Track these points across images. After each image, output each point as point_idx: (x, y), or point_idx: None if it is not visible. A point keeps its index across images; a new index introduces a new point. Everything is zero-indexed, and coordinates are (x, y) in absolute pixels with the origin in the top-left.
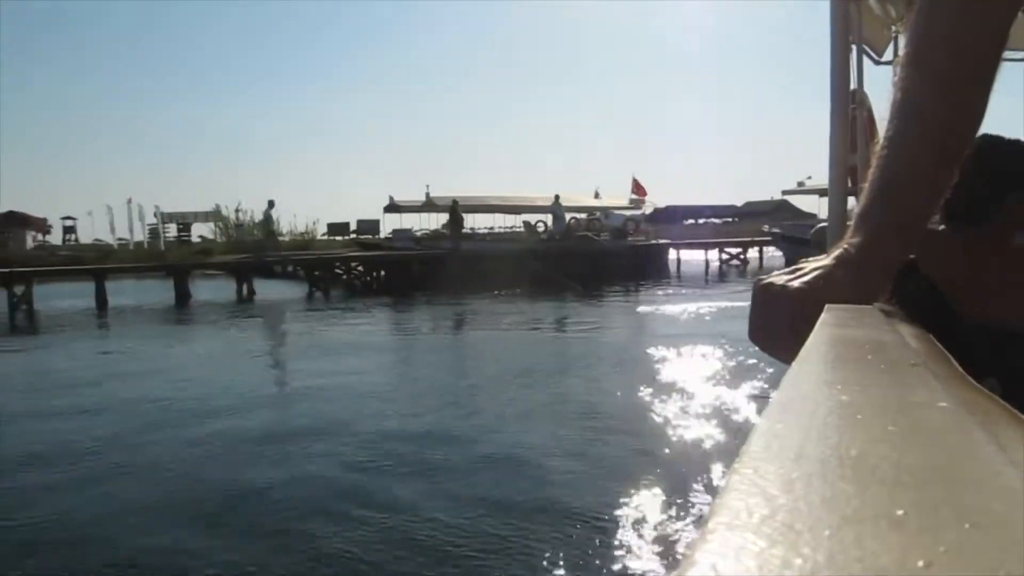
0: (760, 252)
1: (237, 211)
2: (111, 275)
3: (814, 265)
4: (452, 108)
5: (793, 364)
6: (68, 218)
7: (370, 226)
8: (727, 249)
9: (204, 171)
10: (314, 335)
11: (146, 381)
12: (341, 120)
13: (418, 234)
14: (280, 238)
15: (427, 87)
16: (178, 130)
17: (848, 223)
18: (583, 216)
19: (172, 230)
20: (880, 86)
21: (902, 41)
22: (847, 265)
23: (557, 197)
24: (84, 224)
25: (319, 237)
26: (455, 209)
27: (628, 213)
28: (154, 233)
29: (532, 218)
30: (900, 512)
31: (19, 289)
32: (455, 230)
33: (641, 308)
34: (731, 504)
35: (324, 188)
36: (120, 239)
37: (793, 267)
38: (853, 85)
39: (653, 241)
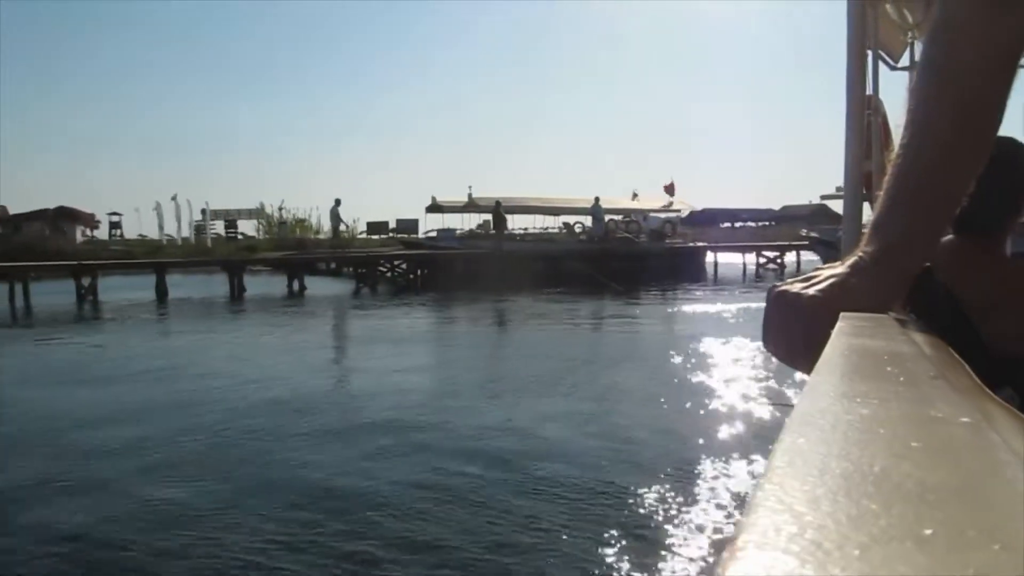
0: (798, 256)
1: (280, 209)
2: (169, 269)
3: (828, 273)
4: (490, 110)
5: (811, 376)
6: (114, 214)
7: (409, 225)
8: (764, 253)
9: (246, 169)
10: (379, 328)
11: (241, 368)
12: (378, 120)
13: (459, 233)
14: (321, 236)
15: (466, 88)
16: (221, 129)
17: (863, 230)
18: (619, 218)
19: (217, 227)
20: (896, 92)
21: (919, 47)
22: (862, 273)
23: (597, 199)
24: (128, 220)
25: (359, 235)
26: (498, 210)
27: (666, 216)
28: (198, 229)
29: (570, 219)
30: (928, 532)
31: (86, 281)
32: (498, 230)
33: (680, 308)
34: (759, 521)
35: (363, 187)
36: (166, 235)
37: (807, 274)
38: (868, 91)
39: (690, 244)
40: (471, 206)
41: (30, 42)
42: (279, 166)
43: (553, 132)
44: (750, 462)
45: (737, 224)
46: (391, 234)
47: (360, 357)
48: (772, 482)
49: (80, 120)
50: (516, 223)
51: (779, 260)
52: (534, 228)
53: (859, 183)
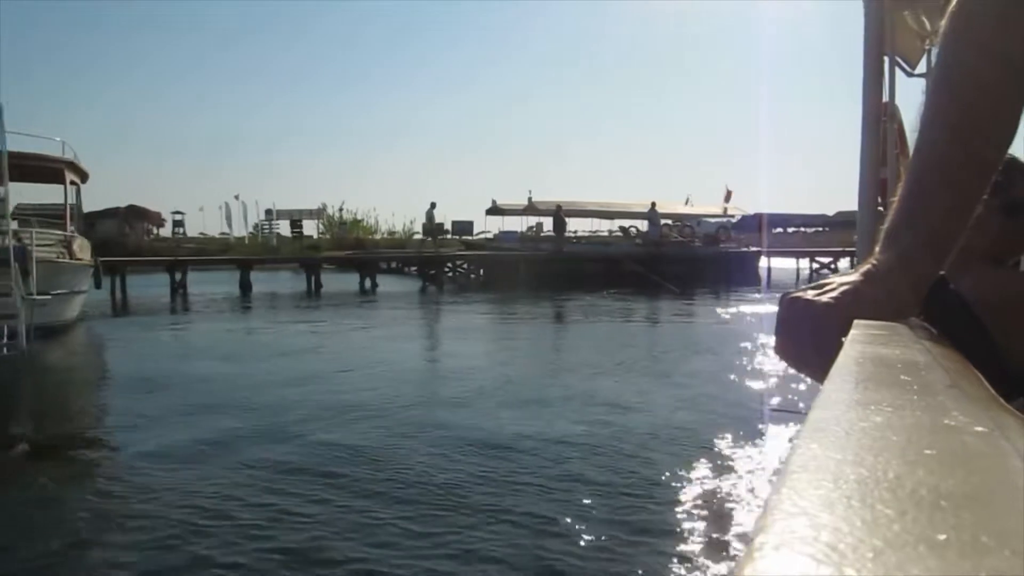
0: (852, 262)
1: (341, 210)
2: (255, 266)
3: (841, 281)
4: (545, 114)
5: (825, 383)
6: (177, 212)
7: (464, 227)
8: (818, 258)
9: (307, 170)
10: (456, 321)
11: (344, 355)
12: (433, 123)
13: (519, 235)
14: (379, 236)
15: (521, 93)
16: (277, 130)
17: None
18: (669, 222)
19: (280, 226)
20: (913, 98)
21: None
22: (875, 282)
23: (653, 204)
24: (190, 219)
25: (415, 237)
26: (559, 213)
27: (720, 221)
28: (257, 228)
29: (625, 223)
30: (941, 537)
31: (178, 276)
32: (558, 233)
33: (737, 309)
34: (775, 524)
35: (418, 189)
36: (223, 233)
37: (820, 282)
38: (885, 97)
39: (744, 248)
40: (531, 209)
41: (97, 45)
42: (335, 167)
43: (608, 137)
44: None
45: (790, 229)
46: (447, 235)
47: (469, 344)
48: (788, 486)
49: (143, 123)
50: (571, 226)
51: (833, 265)
52: (584, 231)
53: (875, 189)
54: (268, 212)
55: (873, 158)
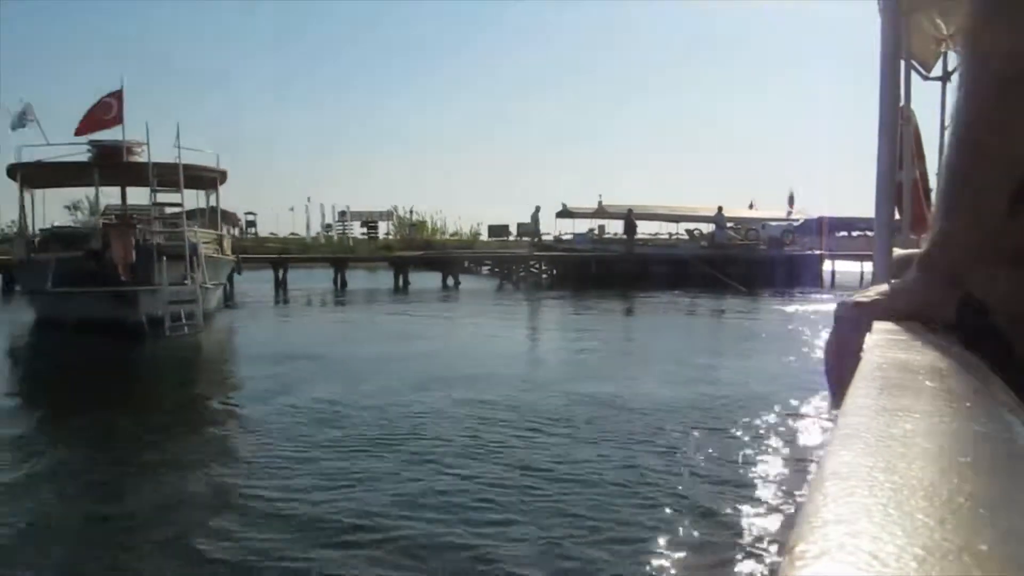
0: None
1: (411, 212)
2: (351, 265)
3: (885, 285)
4: (609, 119)
5: (851, 390)
6: (250, 213)
7: (529, 228)
8: None
9: (375, 173)
10: (544, 313)
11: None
12: (500, 126)
13: (592, 237)
14: (446, 237)
15: (589, 95)
16: (340, 132)
17: (895, 236)
18: (732, 225)
19: (353, 228)
20: (929, 102)
21: (952, 57)
22: (906, 281)
23: (720, 208)
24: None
25: (481, 238)
26: (630, 217)
27: (784, 224)
28: (325, 228)
29: (691, 226)
30: (983, 547)
31: (280, 272)
32: (629, 235)
33: (802, 307)
34: (814, 532)
35: (483, 191)
36: (293, 233)
37: (875, 287)
38: (900, 101)
39: (808, 251)
40: (600, 212)
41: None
42: (408, 170)
43: (667, 141)
44: None
45: (855, 233)
46: (512, 237)
47: (567, 332)
48: (822, 493)
49: (205, 125)
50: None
51: None
52: (646, 234)
53: (891, 193)
54: (342, 214)
55: (889, 162)
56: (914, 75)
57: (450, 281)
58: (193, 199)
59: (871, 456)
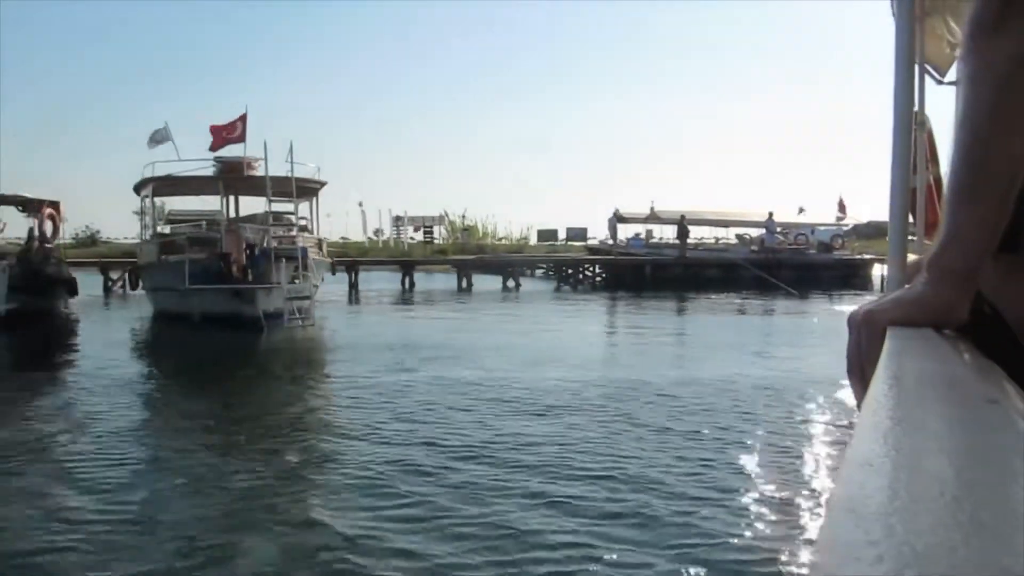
0: None
1: (462, 216)
2: (418, 268)
3: (901, 291)
4: (662, 122)
5: (867, 398)
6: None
7: (578, 233)
8: None
9: (428, 177)
10: (611, 314)
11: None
12: (549, 131)
13: (646, 242)
14: (496, 241)
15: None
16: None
17: (910, 239)
18: (780, 230)
19: (406, 232)
20: (942, 107)
21: None
22: (917, 286)
23: (771, 214)
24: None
25: (531, 243)
26: (682, 222)
27: (833, 229)
28: (377, 233)
29: (741, 231)
30: (1007, 561)
31: (352, 275)
32: (682, 239)
33: (850, 308)
34: (836, 547)
35: (531, 195)
36: (343, 238)
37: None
38: (915, 106)
39: (858, 256)
40: (652, 218)
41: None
42: (461, 175)
43: (718, 145)
44: None
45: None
46: (563, 241)
47: (634, 326)
48: (844, 506)
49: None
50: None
51: None
52: (693, 238)
53: (905, 199)
54: (397, 218)
55: (903, 167)
56: (928, 79)
57: (511, 283)
58: (253, 206)
59: (891, 467)
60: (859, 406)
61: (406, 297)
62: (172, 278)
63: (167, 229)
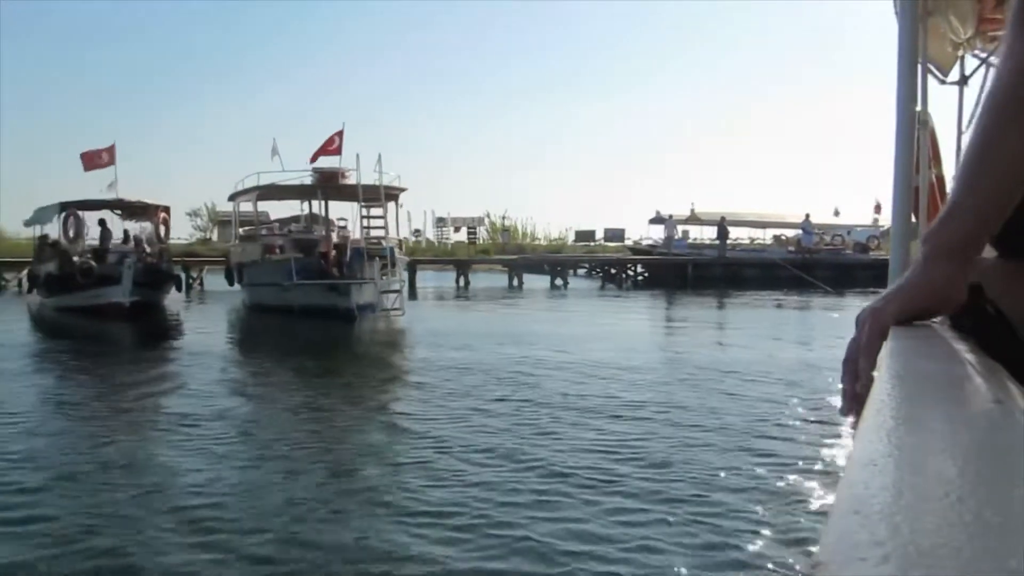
0: None
1: (503, 217)
2: (473, 268)
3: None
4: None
5: (870, 399)
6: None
7: (616, 234)
8: None
9: (468, 179)
10: (655, 308)
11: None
12: (583, 131)
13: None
14: (535, 242)
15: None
16: (444, 138)
17: (914, 242)
18: (817, 231)
19: (449, 232)
20: (945, 106)
21: (969, 61)
22: (913, 273)
23: (807, 216)
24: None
25: (569, 243)
26: (722, 223)
27: (869, 230)
28: (417, 233)
29: (778, 232)
30: (1014, 563)
31: (409, 272)
32: (722, 240)
33: None
34: (842, 547)
35: (570, 197)
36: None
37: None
38: (917, 105)
39: None
40: (693, 219)
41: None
42: (501, 177)
43: (752, 149)
44: None
45: None
46: (599, 241)
47: (685, 322)
48: (849, 507)
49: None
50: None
51: None
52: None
53: (909, 197)
54: (440, 220)
55: (906, 167)
56: (931, 79)
57: (558, 281)
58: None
59: (896, 468)
60: (843, 407)
61: (461, 294)
62: (275, 275)
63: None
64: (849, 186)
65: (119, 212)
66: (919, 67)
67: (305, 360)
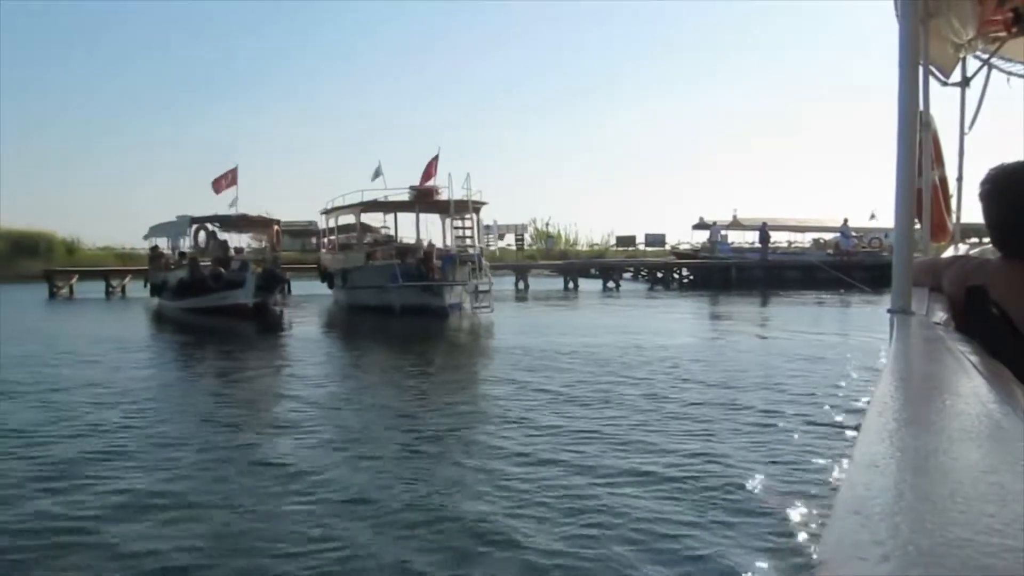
0: None
1: (547, 224)
2: (531, 272)
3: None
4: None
5: (873, 401)
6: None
7: (656, 239)
8: None
9: (508, 185)
10: (711, 308)
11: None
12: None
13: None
14: (579, 248)
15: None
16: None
17: (917, 243)
18: (855, 235)
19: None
20: (947, 108)
21: (971, 63)
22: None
23: (846, 220)
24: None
25: (611, 248)
26: (764, 228)
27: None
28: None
29: (817, 235)
30: (1014, 561)
31: None
32: (764, 244)
33: None
34: (842, 546)
35: (608, 203)
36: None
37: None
38: (919, 107)
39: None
40: (735, 224)
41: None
42: (544, 184)
43: (787, 153)
44: None
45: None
46: (640, 246)
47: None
48: (850, 509)
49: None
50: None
51: None
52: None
53: (911, 200)
54: (487, 227)
55: (908, 169)
56: (932, 80)
57: (610, 284)
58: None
59: (897, 472)
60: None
61: (522, 296)
62: (379, 278)
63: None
64: (887, 189)
65: (238, 227)
66: (920, 69)
67: (415, 347)
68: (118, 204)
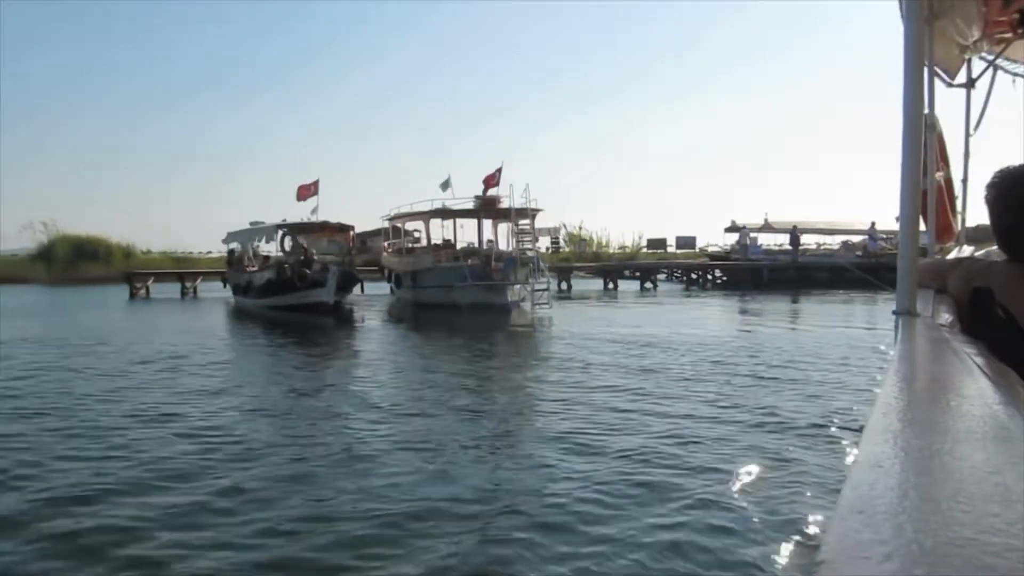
0: None
1: (579, 228)
2: (575, 273)
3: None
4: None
5: (878, 402)
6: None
7: (687, 241)
8: None
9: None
10: (747, 306)
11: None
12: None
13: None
14: (611, 250)
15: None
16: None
17: (921, 246)
18: (882, 237)
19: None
20: (952, 109)
21: (976, 64)
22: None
23: (873, 223)
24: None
25: (642, 250)
26: (795, 231)
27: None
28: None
29: (844, 238)
30: (1018, 560)
31: None
32: (794, 247)
33: None
34: (844, 545)
35: (639, 205)
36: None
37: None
38: (924, 108)
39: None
40: (766, 227)
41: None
42: (571, 188)
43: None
44: None
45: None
46: (670, 248)
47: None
48: (854, 508)
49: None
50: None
51: None
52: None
53: (917, 201)
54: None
55: (914, 170)
56: (937, 82)
57: (648, 284)
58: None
59: (902, 472)
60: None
61: (566, 295)
62: (448, 278)
63: None
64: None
65: (319, 232)
66: (926, 70)
67: (485, 338)
68: (181, 214)
